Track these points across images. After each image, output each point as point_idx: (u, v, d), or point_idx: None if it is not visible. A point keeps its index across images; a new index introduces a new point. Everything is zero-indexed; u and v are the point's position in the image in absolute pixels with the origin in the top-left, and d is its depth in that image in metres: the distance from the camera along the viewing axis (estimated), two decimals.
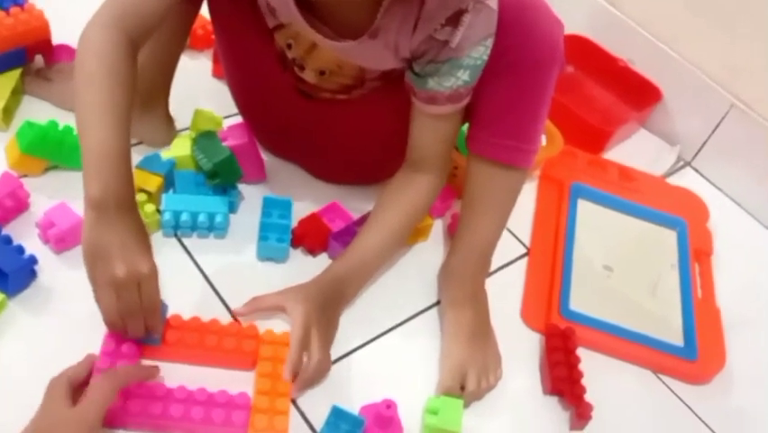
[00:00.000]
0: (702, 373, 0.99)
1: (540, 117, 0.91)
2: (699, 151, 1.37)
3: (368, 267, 0.91)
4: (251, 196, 1.01)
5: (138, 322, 0.74)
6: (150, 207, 0.91)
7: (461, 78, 0.83)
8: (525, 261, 1.07)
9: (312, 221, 0.98)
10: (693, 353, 0.99)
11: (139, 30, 0.79)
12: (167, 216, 0.91)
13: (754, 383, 1.01)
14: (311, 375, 0.82)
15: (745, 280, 1.16)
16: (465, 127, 0.95)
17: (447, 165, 0.94)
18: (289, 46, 0.92)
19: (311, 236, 0.96)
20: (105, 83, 0.74)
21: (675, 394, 0.97)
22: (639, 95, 1.38)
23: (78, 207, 0.88)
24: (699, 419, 0.95)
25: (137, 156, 0.97)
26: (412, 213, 0.93)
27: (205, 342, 0.80)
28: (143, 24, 0.79)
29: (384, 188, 0.94)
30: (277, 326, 0.85)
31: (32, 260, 0.83)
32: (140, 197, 0.91)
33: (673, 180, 1.32)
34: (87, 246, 0.71)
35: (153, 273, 0.73)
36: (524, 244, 1.09)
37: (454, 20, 0.79)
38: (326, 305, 0.86)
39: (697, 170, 1.38)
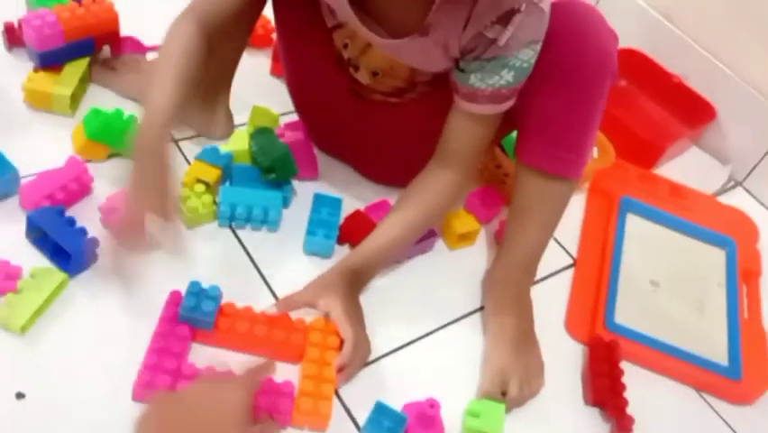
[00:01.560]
0: (746, 394, 0.97)
1: (591, 129, 0.91)
2: (752, 171, 1.35)
3: (383, 259, 0.93)
4: (304, 192, 1.03)
5: (152, 193, 0.79)
6: (208, 198, 0.93)
7: (505, 77, 0.84)
8: (571, 271, 1.07)
9: (359, 217, 1.00)
10: (737, 373, 0.98)
11: (210, 21, 0.89)
12: (223, 207, 0.94)
13: None
14: (359, 363, 0.84)
15: None
16: (515, 134, 0.96)
17: (474, 166, 0.96)
18: (346, 46, 0.94)
19: (357, 233, 0.97)
20: (174, 57, 0.85)
21: (717, 413, 0.96)
22: (692, 112, 1.37)
23: None
24: None
25: (197, 148, 1.01)
26: (432, 210, 0.94)
27: (255, 331, 0.82)
28: (215, 17, 0.90)
29: (409, 184, 0.95)
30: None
31: (95, 242, 0.86)
32: (198, 187, 0.94)
33: (724, 199, 1.30)
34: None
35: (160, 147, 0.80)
36: (570, 255, 1.09)
37: (505, 19, 0.80)
38: (351, 293, 0.88)
39: (748, 191, 1.36)
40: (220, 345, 0.83)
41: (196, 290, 0.82)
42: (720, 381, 0.97)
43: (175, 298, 0.83)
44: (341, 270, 0.89)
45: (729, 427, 0.95)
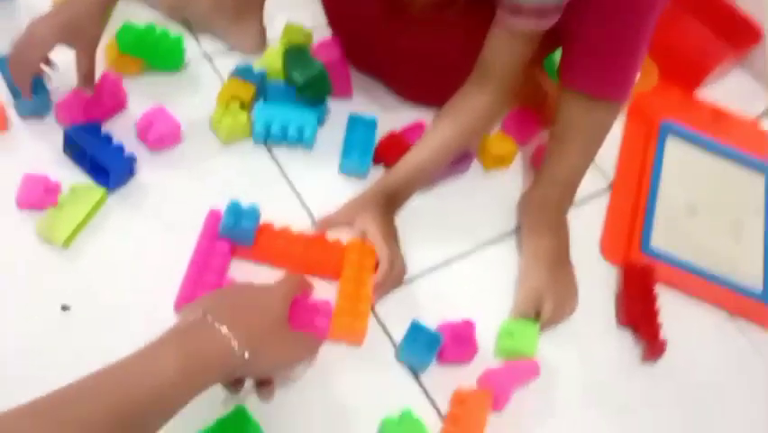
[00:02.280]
0: None
1: (639, 50, 0.88)
2: None
3: (419, 179, 0.92)
4: (338, 111, 1.01)
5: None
6: (243, 116, 0.93)
7: None
8: (607, 195, 1.06)
9: (394, 139, 0.99)
10: None
11: None
12: (258, 126, 0.93)
13: None
14: (395, 281, 0.85)
15: None
16: (558, 54, 0.93)
17: (513, 87, 0.93)
18: None
19: (392, 154, 0.96)
20: None
21: (749, 339, 0.96)
22: (738, 33, 1.31)
23: (174, 111, 0.91)
24: None
25: (230, 65, 0.99)
26: (468, 131, 0.92)
27: (293, 250, 0.83)
28: None
29: (446, 104, 0.93)
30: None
31: (132, 159, 0.86)
32: (233, 105, 0.93)
33: (766, 124, 1.27)
34: None
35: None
36: (608, 179, 1.08)
37: None
38: (387, 213, 0.88)
39: None
40: (259, 261, 0.84)
41: (235, 210, 0.82)
42: (754, 305, 0.97)
43: (214, 216, 0.84)
44: (376, 191, 0.89)
45: (759, 352, 0.95)
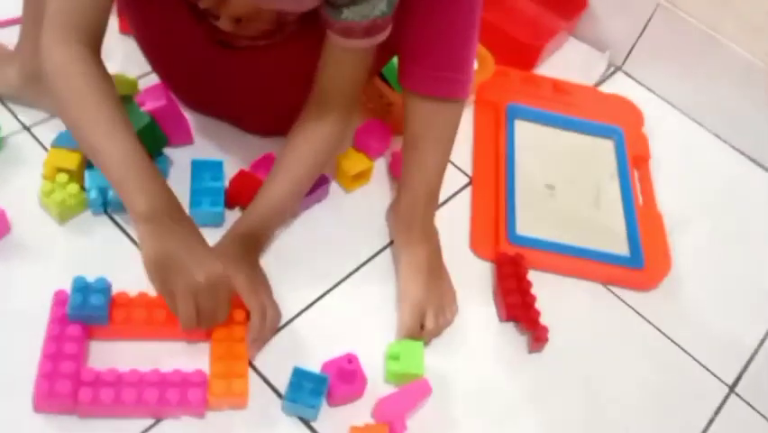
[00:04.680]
0: (650, 280, 1.01)
1: (471, 43, 0.89)
2: (629, 54, 1.36)
3: (277, 217, 0.90)
4: (180, 160, 0.96)
5: (212, 321, 0.75)
6: (73, 188, 0.86)
7: (378, 7, 0.79)
8: (469, 190, 1.06)
9: (244, 178, 0.95)
10: (640, 261, 1.01)
11: (94, 35, 0.78)
12: (93, 194, 0.86)
13: (700, 282, 1.04)
14: (270, 331, 0.81)
15: (683, 181, 1.18)
16: (396, 61, 0.92)
17: (356, 103, 0.92)
18: None
19: (246, 194, 0.92)
20: (95, 99, 0.74)
21: (626, 303, 0.99)
22: (565, 3, 1.35)
23: None
24: (651, 324, 0.97)
25: (50, 133, 0.92)
26: (318, 158, 0.90)
27: (155, 317, 0.78)
28: (95, 28, 0.78)
29: (289, 134, 0.90)
30: None
31: None
32: (60, 177, 0.86)
33: (606, 87, 1.31)
34: (154, 259, 0.70)
35: (227, 274, 0.74)
36: (466, 174, 1.08)
37: None
38: (250, 259, 0.85)
39: (628, 74, 1.37)
40: (120, 337, 0.79)
41: (81, 286, 0.76)
42: (624, 272, 1.00)
43: (61, 297, 0.77)
44: (233, 237, 0.85)
45: (639, 314, 0.98)
